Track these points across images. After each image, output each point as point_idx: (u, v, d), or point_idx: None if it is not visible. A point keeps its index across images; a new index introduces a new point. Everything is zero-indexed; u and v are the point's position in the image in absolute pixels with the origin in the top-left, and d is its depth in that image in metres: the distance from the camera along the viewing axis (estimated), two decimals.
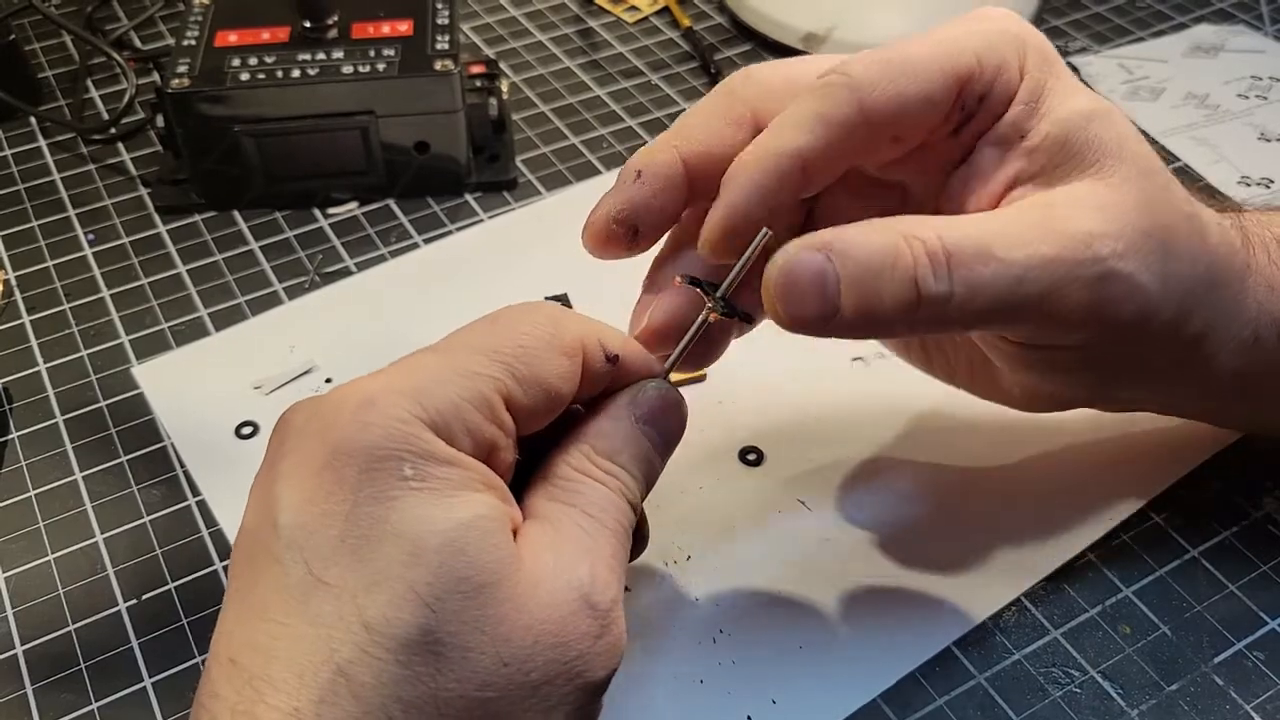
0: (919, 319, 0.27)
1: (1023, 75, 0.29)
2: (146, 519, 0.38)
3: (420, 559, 0.22)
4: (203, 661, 0.32)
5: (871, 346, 0.42)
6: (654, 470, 0.28)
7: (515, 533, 0.25)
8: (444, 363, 0.25)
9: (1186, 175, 0.52)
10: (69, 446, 0.40)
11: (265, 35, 0.49)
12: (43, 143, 0.55)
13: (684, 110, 0.56)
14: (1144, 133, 0.52)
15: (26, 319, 0.45)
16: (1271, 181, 0.51)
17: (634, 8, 0.64)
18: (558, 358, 0.26)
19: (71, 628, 0.35)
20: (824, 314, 0.26)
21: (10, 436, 0.41)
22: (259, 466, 0.25)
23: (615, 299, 0.45)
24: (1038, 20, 0.62)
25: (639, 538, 0.29)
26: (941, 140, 0.29)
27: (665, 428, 0.28)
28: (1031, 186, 0.28)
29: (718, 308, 0.28)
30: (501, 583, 0.23)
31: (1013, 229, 0.27)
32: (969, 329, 0.30)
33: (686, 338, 0.29)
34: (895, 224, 0.27)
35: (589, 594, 0.24)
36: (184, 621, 0.35)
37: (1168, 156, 0.53)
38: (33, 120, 0.56)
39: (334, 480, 0.23)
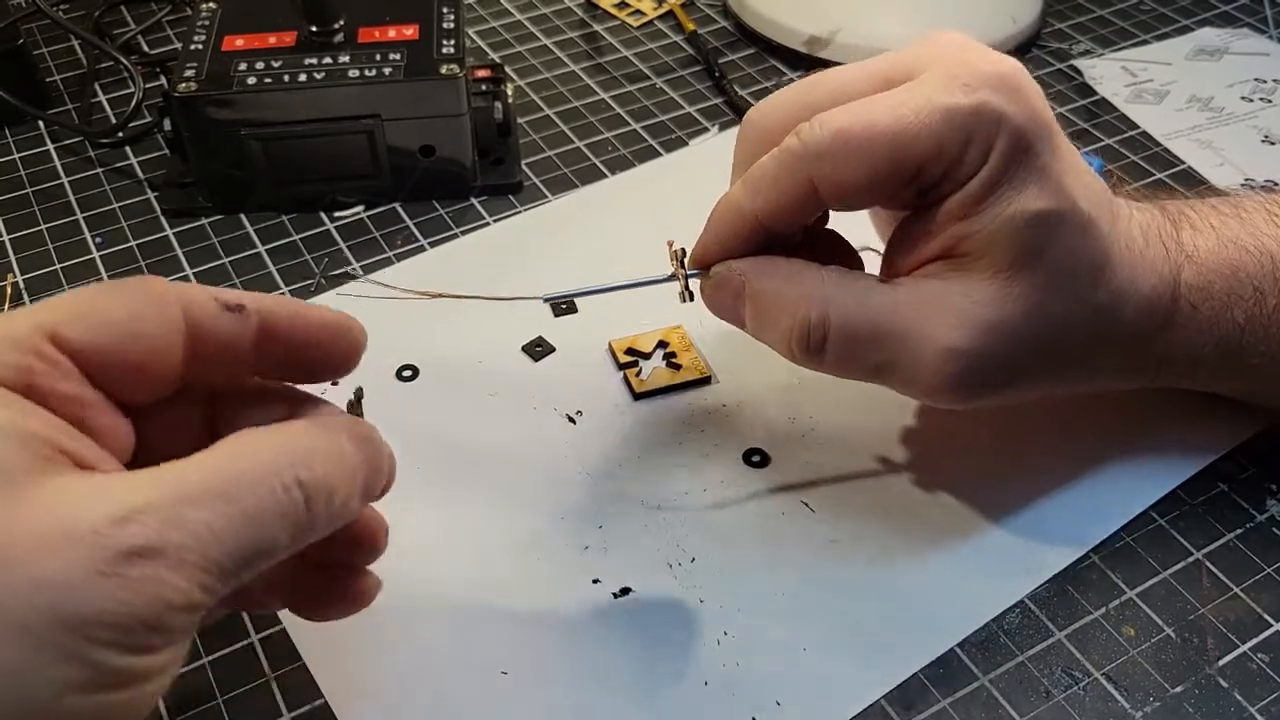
0: (798, 362, 0.33)
1: (986, 160, 0.30)
2: None
3: None
4: None
5: None
6: (349, 492, 0.25)
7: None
8: None
9: (1190, 178, 0.52)
10: None
11: (272, 40, 0.49)
12: (50, 146, 0.55)
13: (687, 114, 0.56)
14: (1147, 135, 0.53)
15: None
16: (1275, 184, 0.51)
17: (638, 12, 0.65)
18: (123, 297, 0.24)
19: None
20: (736, 321, 0.34)
21: None
22: None
23: (622, 303, 0.45)
24: (1041, 23, 0.62)
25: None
26: (909, 199, 0.32)
27: (368, 457, 0.25)
28: (948, 264, 0.31)
29: (681, 282, 0.35)
30: None
31: (897, 317, 0.31)
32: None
33: (645, 279, 0.35)
34: (803, 283, 0.32)
35: (98, 526, 0.20)
36: None
37: (1171, 160, 0.53)
38: (41, 124, 0.57)
39: None
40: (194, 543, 0.21)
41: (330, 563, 0.28)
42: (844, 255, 0.35)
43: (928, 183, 0.30)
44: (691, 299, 0.35)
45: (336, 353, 0.27)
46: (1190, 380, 0.36)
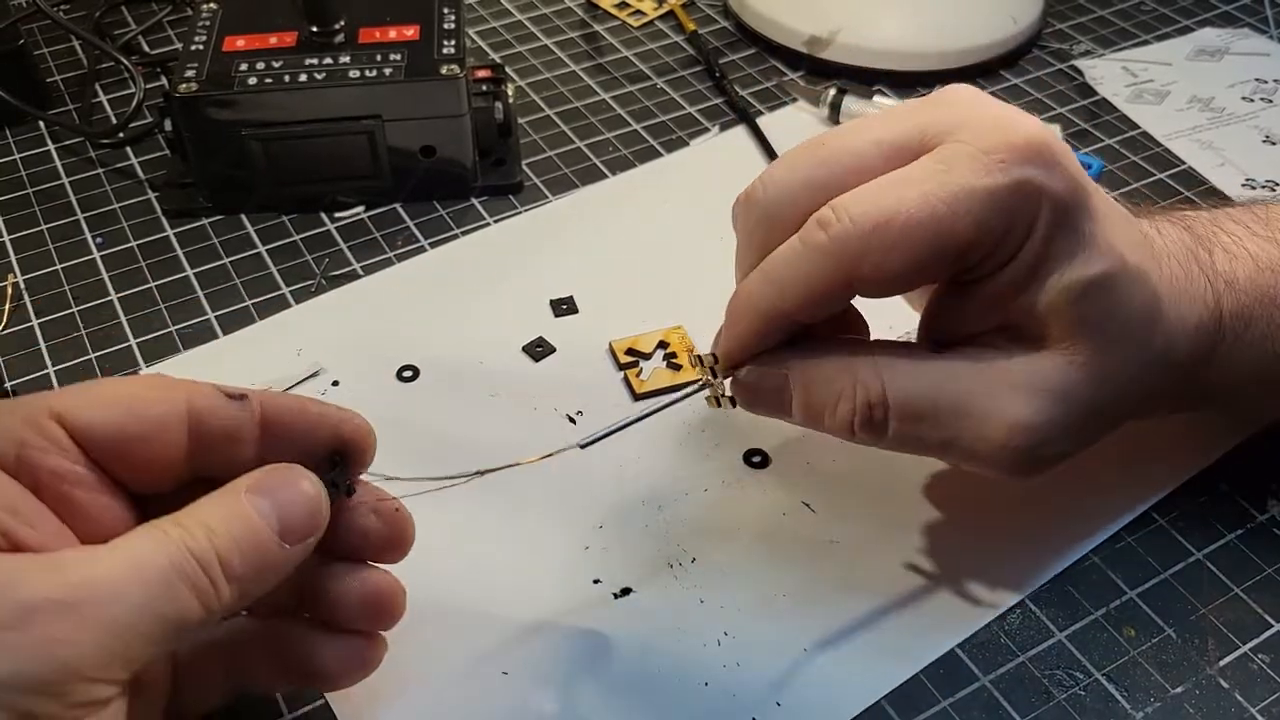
0: (858, 442, 0.31)
1: (1029, 236, 0.29)
2: None
3: None
4: None
5: None
6: (258, 543, 0.25)
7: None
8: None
9: (1190, 179, 0.52)
10: None
11: (273, 40, 0.49)
12: (51, 147, 0.55)
13: (688, 114, 0.56)
14: (1148, 135, 0.53)
15: (35, 322, 0.45)
16: (1276, 184, 0.51)
17: (639, 12, 0.65)
18: (129, 382, 0.27)
19: None
20: (779, 415, 0.32)
21: None
22: None
23: (621, 302, 0.45)
24: (1041, 23, 0.62)
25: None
26: (946, 277, 0.31)
27: (279, 501, 0.26)
28: (1004, 336, 0.30)
29: (716, 391, 0.33)
30: None
31: (959, 393, 0.30)
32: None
33: (670, 397, 0.33)
34: (854, 364, 0.30)
35: None
36: None
37: (1172, 160, 0.53)
38: (41, 125, 0.57)
39: None
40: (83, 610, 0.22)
41: (346, 627, 0.29)
42: (853, 321, 0.34)
43: (969, 264, 0.29)
44: (734, 405, 0.33)
45: (341, 440, 0.29)
46: (1229, 412, 0.36)
